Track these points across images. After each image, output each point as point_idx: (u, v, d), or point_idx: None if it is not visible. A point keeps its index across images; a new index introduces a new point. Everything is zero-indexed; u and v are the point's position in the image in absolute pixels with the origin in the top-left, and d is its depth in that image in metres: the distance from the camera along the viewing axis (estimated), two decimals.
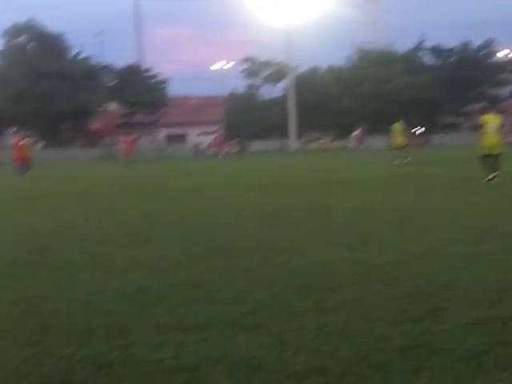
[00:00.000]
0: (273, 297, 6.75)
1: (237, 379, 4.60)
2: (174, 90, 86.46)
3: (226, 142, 65.67)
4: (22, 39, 77.65)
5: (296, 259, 8.70)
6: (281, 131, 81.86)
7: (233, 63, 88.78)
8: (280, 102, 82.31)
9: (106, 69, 77.48)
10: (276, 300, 6.62)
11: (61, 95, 72.27)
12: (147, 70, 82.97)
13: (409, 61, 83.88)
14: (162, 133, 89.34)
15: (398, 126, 35.87)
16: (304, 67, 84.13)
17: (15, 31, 76.67)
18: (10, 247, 10.50)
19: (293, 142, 74.81)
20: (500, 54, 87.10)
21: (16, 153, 30.64)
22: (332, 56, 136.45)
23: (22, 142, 31.42)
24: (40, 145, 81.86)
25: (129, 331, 5.72)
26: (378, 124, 70.59)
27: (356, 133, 72.29)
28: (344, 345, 5.25)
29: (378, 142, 67.07)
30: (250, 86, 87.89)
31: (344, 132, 76.78)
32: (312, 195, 17.79)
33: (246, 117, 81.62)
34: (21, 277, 8.14)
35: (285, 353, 5.09)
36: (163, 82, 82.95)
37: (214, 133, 64.00)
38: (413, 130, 66.38)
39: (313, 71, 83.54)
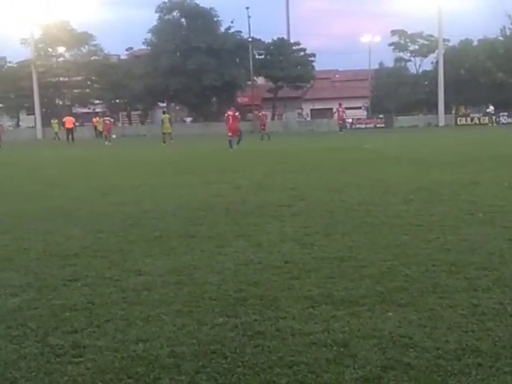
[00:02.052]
0: (423, 273, 6.65)
1: (387, 356, 4.56)
2: (320, 64, 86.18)
3: (343, 116, 64.43)
4: (174, 14, 79.60)
5: (446, 236, 8.52)
6: (429, 106, 79.87)
7: (379, 37, 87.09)
8: (429, 77, 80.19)
9: (255, 43, 77.91)
10: (426, 277, 6.53)
11: (210, 70, 73.50)
12: (295, 44, 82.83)
13: None
14: (308, 107, 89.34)
15: None
16: (455, 40, 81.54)
17: (168, 7, 78.65)
18: (164, 219, 10.85)
19: (441, 117, 72.80)
20: None
21: (231, 124, 33.87)
22: (485, 28, 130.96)
23: (236, 114, 34.81)
24: (189, 119, 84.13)
25: (279, 303, 5.80)
26: None
27: (489, 110, 70.06)
28: (498, 326, 5.11)
29: None
30: (399, 60, 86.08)
31: (497, 108, 73.66)
32: (461, 171, 17.27)
33: (393, 91, 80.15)
34: (174, 247, 8.42)
35: (436, 331, 5.01)
36: (311, 56, 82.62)
37: (336, 109, 63.28)
38: None
39: (464, 44, 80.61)
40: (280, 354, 4.67)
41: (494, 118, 70.04)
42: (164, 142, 43.05)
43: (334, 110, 62.73)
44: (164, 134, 44.49)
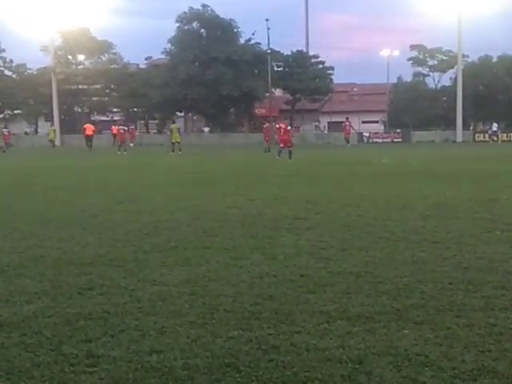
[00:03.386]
0: (440, 291, 6.60)
1: (403, 374, 4.51)
2: (339, 77, 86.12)
3: (351, 130, 64.65)
4: (194, 25, 79.85)
5: (463, 254, 8.45)
6: (446, 122, 79.66)
7: (398, 51, 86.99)
8: (447, 92, 80.00)
9: (274, 55, 78.00)
10: (443, 295, 6.47)
11: (228, 80, 73.64)
12: (314, 57, 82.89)
13: None
14: (326, 120, 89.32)
15: None
16: (474, 56, 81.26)
17: (188, 17, 78.90)
18: (180, 230, 10.85)
19: (459, 133, 72.53)
20: None
21: (282, 136, 35.46)
22: (505, 44, 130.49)
23: (288, 128, 36.47)
24: (206, 129, 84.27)
25: (294, 317, 5.77)
26: None
27: (494, 129, 69.90)
28: None
29: None
30: (417, 75, 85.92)
31: None
32: (479, 188, 17.16)
33: (411, 106, 79.98)
34: (190, 258, 8.41)
35: (452, 350, 4.97)
36: (329, 69, 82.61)
37: (344, 123, 63.49)
38: None
39: (484, 60, 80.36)
40: (294, 369, 4.64)
41: (500, 135, 69.55)
42: (172, 151, 43.46)
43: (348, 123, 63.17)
44: (173, 143, 44.88)
